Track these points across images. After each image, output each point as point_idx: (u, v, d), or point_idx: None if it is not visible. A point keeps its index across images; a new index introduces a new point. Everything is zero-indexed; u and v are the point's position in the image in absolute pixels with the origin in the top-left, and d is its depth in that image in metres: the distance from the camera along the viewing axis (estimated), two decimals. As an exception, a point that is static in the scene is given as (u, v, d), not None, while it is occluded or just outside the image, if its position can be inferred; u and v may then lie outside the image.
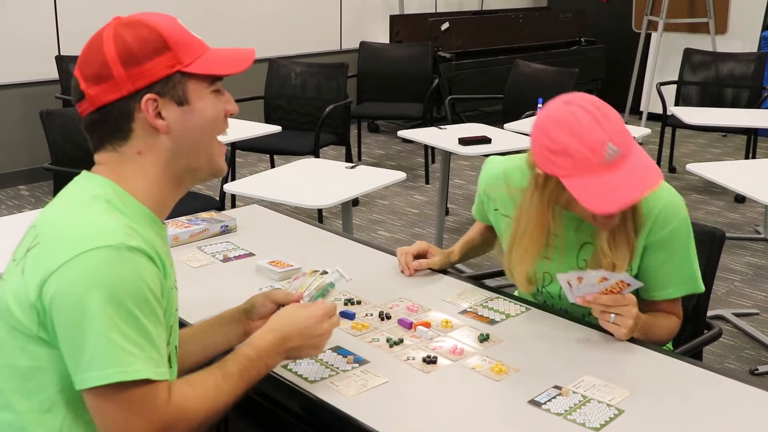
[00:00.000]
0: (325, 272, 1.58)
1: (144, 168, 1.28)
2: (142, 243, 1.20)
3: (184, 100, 1.27)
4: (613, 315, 1.63)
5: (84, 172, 1.32)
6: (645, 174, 1.58)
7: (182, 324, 1.72)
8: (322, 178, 3.25)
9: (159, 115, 1.26)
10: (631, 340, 1.67)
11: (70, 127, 3.59)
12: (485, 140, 3.94)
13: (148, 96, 1.25)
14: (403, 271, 1.98)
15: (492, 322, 1.73)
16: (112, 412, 1.17)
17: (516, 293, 2.02)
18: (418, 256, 2.00)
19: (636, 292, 1.72)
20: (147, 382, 1.17)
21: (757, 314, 3.64)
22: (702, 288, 1.82)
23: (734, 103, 5.60)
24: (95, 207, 1.23)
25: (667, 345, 1.98)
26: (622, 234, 1.72)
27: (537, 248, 1.74)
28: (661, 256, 1.76)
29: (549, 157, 1.59)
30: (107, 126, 1.27)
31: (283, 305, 1.54)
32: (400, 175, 3.24)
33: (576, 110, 1.57)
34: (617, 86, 7.36)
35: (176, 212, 2.44)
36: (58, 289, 1.14)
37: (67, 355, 1.17)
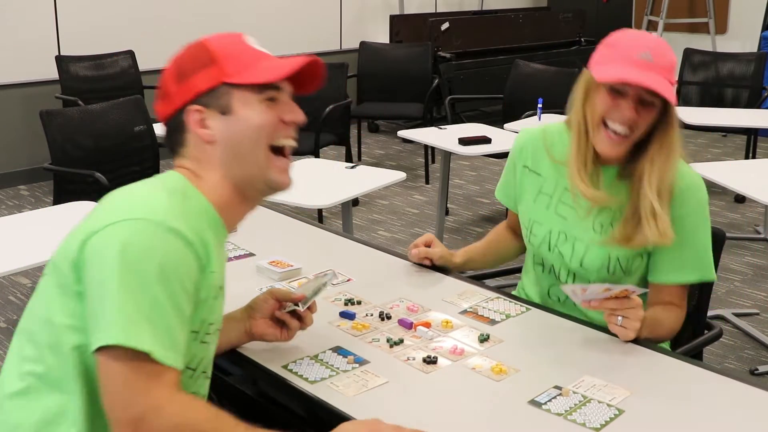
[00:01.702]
0: (326, 273, 1.63)
1: (207, 173, 1.34)
2: (185, 229, 1.22)
3: (227, 110, 1.31)
4: (620, 318, 1.62)
5: (169, 170, 1.39)
6: (658, 80, 1.64)
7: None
8: (322, 178, 3.25)
9: (205, 125, 1.32)
10: (632, 340, 1.67)
11: (70, 127, 3.60)
12: (485, 140, 3.94)
13: (193, 107, 1.32)
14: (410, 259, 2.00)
15: (492, 322, 1.73)
16: (112, 380, 1.17)
17: (515, 291, 2.02)
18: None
19: (644, 280, 1.77)
20: (151, 360, 1.16)
21: (757, 314, 3.64)
22: (714, 276, 1.82)
23: (734, 103, 5.60)
24: (158, 189, 1.29)
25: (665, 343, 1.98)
26: (665, 196, 1.73)
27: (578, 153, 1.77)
28: (677, 236, 1.74)
29: (597, 49, 1.74)
30: (171, 137, 1.37)
31: (284, 303, 1.57)
32: (400, 175, 3.24)
33: (648, 32, 1.77)
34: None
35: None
36: (94, 248, 1.19)
37: (88, 314, 1.19)
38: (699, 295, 2.01)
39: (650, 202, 1.72)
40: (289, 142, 1.37)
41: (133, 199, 1.26)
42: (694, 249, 1.78)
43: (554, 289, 1.90)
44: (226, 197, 1.34)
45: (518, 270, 2.12)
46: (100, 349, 1.16)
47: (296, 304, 1.56)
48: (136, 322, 1.15)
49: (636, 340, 1.67)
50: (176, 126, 1.35)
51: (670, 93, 1.66)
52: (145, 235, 1.19)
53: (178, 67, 1.35)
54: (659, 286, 1.81)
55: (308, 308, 1.58)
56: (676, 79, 1.74)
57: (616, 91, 1.69)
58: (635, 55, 1.66)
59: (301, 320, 1.58)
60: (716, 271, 2.00)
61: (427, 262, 1.99)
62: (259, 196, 1.40)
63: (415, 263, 2.02)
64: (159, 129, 4.08)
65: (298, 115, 1.36)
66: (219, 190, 1.34)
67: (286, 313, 1.57)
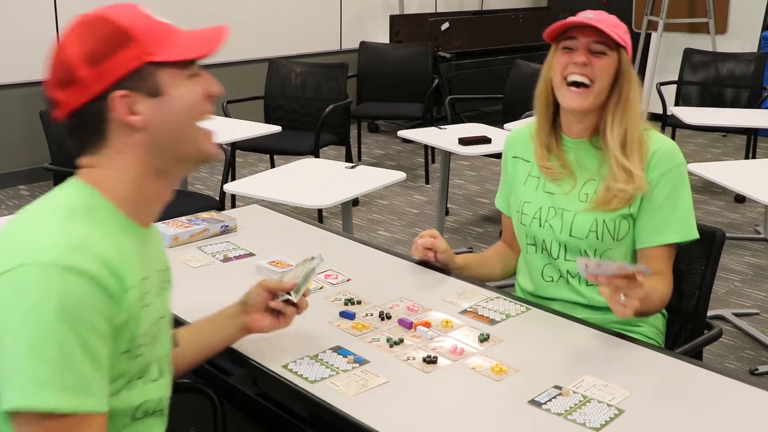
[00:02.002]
0: (313, 258, 1.64)
1: (125, 168, 1.22)
2: (85, 260, 1.11)
3: (157, 91, 1.21)
4: (622, 296, 1.62)
5: (70, 178, 1.25)
6: (600, 25, 1.82)
7: (181, 324, 1.73)
8: (322, 178, 3.25)
9: (133, 111, 1.20)
10: (631, 339, 1.67)
11: (70, 127, 3.60)
12: (485, 140, 3.94)
13: (117, 93, 1.19)
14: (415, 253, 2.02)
15: (492, 322, 1.73)
16: None
17: (515, 291, 2.02)
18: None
19: (632, 247, 1.87)
20: (63, 414, 1.06)
21: (757, 314, 3.64)
22: (696, 234, 1.87)
23: (734, 103, 5.60)
24: (54, 216, 1.16)
25: (659, 340, 1.98)
26: (631, 151, 1.83)
27: (543, 118, 1.95)
28: (655, 198, 1.84)
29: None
30: (84, 130, 1.22)
31: (276, 293, 1.56)
32: (400, 175, 3.24)
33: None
34: (617, 86, 7.35)
35: (176, 212, 2.44)
36: None
37: None
38: (699, 294, 2.01)
39: (614, 155, 1.83)
40: (211, 115, 1.30)
41: (24, 238, 1.13)
42: (673, 209, 1.85)
43: (548, 268, 1.95)
44: (141, 190, 1.24)
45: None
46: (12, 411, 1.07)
47: (289, 293, 1.56)
48: (38, 377, 1.05)
49: (636, 340, 1.67)
50: (92, 117, 1.20)
51: (612, 32, 1.81)
52: (37, 281, 1.07)
53: (87, 48, 1.18)
54: (645, 252, 1.87)
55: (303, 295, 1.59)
56: (630, 48, 1.89)
57: (568, 48, 1.86)
58: (579, 17, 1.85)
59: (297, 306, 1.58)
60: (716, 271, 2.01)
61: (431, 254, 1.98)
62: (186, 173, 1.33)
63: (416, 261, 2.02)
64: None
65: (218, 87, 1.28)
66: (131, 187, 1.23)
67: (281, 302, 1.57)
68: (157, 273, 1.31)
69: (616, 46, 1.85)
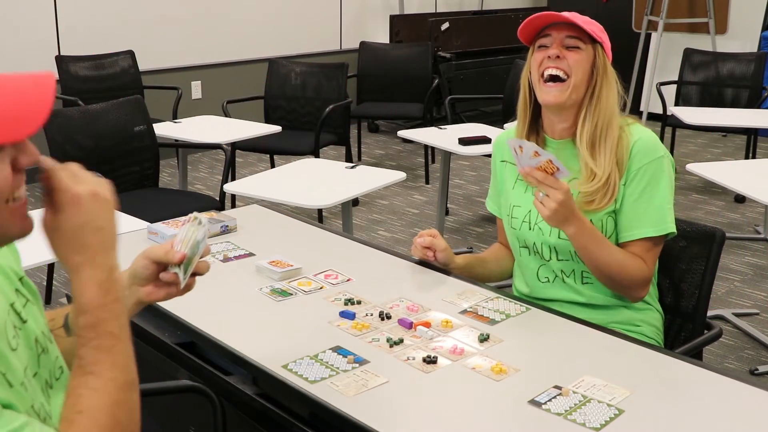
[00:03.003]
0: (199, 222, 1.37)
1: None
2: None
3: None
4: (542, 193, 1.75)
5: None
6: (573, 19, 1.86)
7: (181, 324, 1.73)
8: (322, 178, 3.25)
9: None
10: (631, 339, 1.67)
11: (70, 127, 3.60)
12: (485, 140, 3.94)
13: None
14: (414, 253, 2.02)
15: (492, 322, 1.73)
16: None
17: (514, 291, 2.02)
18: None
19: (615, 239, 1.87)
20: None
21: (757, 314, 3.64)
22: (672, 229, 1.86)
23: (734, 103, 5.60)
24: None
25: (659, 340, 1.98)
26: (602, 146, 1.85)
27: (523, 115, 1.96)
28: (632, 192, 1.85)
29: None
30: None
31: (165, 265, 1.33)
32: (400, 175, 3.24)
33: None
34: (617, 86, 7.35)
35: (176, 212, 2.44)
36: None
37: None
38: (699, 295, 2.01)
39: (581, 154, 1.86)
40: (24, 190, 1.01)
41: None
42: (650, 203, 1.85)
43: (543, 269, 1.95)
44: None
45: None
46: None
47: (178, 266, 1.33)
48: None
49: (635, 340, 1.68)
50: None
51: (587, 26, 1.85)
52: None
53: None
54: (626, 246, 1.87)
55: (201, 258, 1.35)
56: (608, 45, 1.93)
57: (543, 46, 1.88)
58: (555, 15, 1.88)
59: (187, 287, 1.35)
60: (716, 271, 2.01)
61: (431, 254, 1.98)
62: None
63: (416, 261, 2.02)
64: (160, 129, 4.09)
65: (35, 155, 1.00)
66: None
67: (172, 273, 1.34)
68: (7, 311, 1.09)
69: (591, 41, 1.87)
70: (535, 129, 1.95)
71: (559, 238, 1.88)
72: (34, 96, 0.97)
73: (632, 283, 1.85)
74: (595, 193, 1.84)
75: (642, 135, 1.87)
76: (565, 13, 1.87)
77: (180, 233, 1.36)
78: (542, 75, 1.86)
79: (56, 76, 5.25)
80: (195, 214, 1.37)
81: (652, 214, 1.84)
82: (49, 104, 0.97)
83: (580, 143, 1.87)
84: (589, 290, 1.90)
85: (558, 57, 1.85)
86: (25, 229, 1.02)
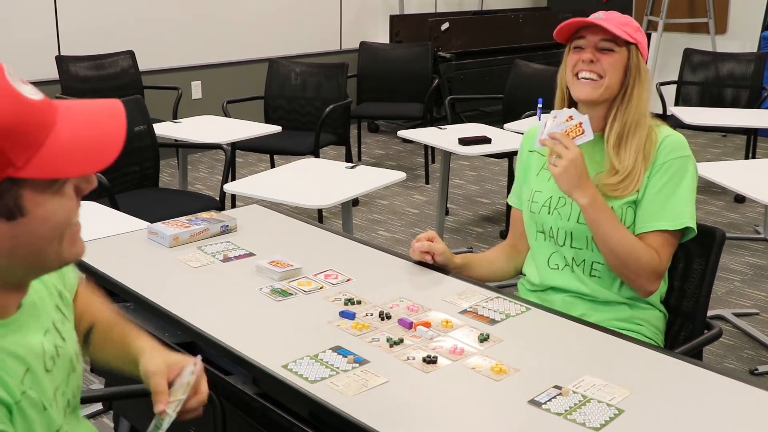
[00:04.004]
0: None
1: None
2: None
3: (17, 212, 0.93)
4: (555, 157, 1.85)
5: None
6: (606, 24, 1.87)
7: (181, 324, 1.73)
8: (322, 178, 3.25)
9: None
10: (631, 339, 1.68)
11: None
12: (485, 140, 3.94)
13: None
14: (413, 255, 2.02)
15: (492, 321, 1.73)
16: None
17: (518, 290, 2.02)
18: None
19: (633, 231, 1.89)
20: None
21: (756, 314, 3.64)
22: (689, 224, 1.87)
23: (734, 103, 5.60)
24: None
25: (659, 340, 1.98)
26: (628, 144, 1.89)
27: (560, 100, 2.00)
28: (654, 184, 1.88)
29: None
30: None
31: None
32: (400, 175, 3.24)
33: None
34: (617, 86, 7.35)
35: (176, 212, 2.44)
36: None
37: None
38: (699, 294, 2.01)
39: (607, 151, 1.90)
40: (79, 215, 1.03)
41: None
42: (669, 198, 1.87)
43: (555, 256, 1.98)
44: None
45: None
46: None
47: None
48: None
49: (635, 340, 1.68)
50: None
51: (619, 30, 1.87)
52: None
53: None
54: (642, 238, 1.89)
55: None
56: (644, 43, 1.96)
57: (578, 47, 1.93)
58: (590, 18, 1.91)
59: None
60: (716, 271, 2.01)
61: (429, 257, 1.99)
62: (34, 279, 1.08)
63: (415, 262, 2.02)
64: (160, 129, 4.09)
65: (94, 182, 1.01)
66: None
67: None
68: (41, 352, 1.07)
69: (626, 44, 1.90)
70: None
71: (577, 222, 1.92)
72: (110, 127, 0.97)
73: (642, 270, 1.86)
74: (618, 184, 1.88)
75: (672, 134, 1.93)
76: (599, 17, 1.90)
77: (178, 384, 1.29)
78: (576, 75, 1.92)
79: (57, 76, 5.26)
80: (199, 359, 1.32)
81: (671, 208, 1.87)
82: (122, 137, 0.97)
83: (606, 140, 1.91)
84: (595, 283, 1.92)
85: (591, 61, 1.89)
86: (79, 253, 1.03)
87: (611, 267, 1.89)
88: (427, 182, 5.65)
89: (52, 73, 5.28)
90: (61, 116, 0.95)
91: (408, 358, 1.56)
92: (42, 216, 0.95)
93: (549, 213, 1.97)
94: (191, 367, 1.29)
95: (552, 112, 1.89)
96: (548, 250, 1.99)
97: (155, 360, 1.28)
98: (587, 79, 1.90)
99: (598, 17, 1.89)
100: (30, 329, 1.06)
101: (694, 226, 1.88)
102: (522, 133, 3.97)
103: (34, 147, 0.90)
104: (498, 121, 4.66)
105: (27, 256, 0.97)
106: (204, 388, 1.28)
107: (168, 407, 1.23)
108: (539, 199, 2.00)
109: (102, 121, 0.97)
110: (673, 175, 1.88)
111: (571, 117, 1.84)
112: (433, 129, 4.43)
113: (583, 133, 1.83)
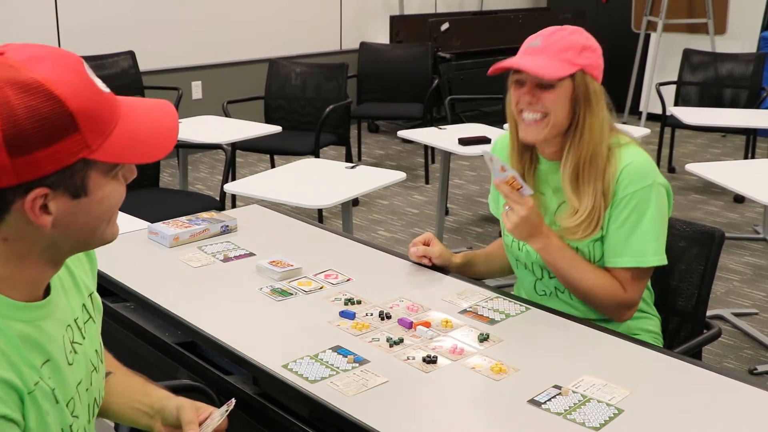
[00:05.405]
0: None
1: (9, 256, 1.03)
2: None
3: (81, 191, 1.01)
4: (507, 207, 1.78)
5: None
6: (534, 60, 1.75)
7: (181, 323, 1.73)
8: (322, 178, 3.25)
9: (45, 208, 0.99)
10: (631, 339, 1.68)
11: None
12: (485, 140, 3.95)
13: (36, 192, 0.97)
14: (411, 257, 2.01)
15: (492, 321, 1.73)
16: None
17: (514, 291, 2.02)
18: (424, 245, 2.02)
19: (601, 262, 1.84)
20: None
21: (756, 314, 3.64)
22: (653, 263, 1.80)
23: (733, 104, 5.61)
24: None
25: (657, 343, 1.98)
26: (585, 180, 1.80)
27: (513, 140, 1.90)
28: (615, 218, 1.80)
29: None
30: None
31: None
32: (400, 175, 3.25)
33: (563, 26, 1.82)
34: (616, 86, 7.32)
35: (176, 212, 2.44)
36: None
37: None
38: (698, 294, 2.01)
39: (564, 190, 1.82)
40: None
41: None
42: (631, 234, 1.79)
43: (539, 284, 1.94)
44: (27, 275, 1.05)
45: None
46: None
47: None
48: None
49: (635, 339, 1.68)
50: None
51: (555, 65, 1.74)
52: None
53: (14, 128, 0.92)
54: (609, 270, 1.83)
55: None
56: (594, 60, 1.80)
57: (517, 81, 1.81)
58: (525, 46, 1.80)
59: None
60: (716, 271, 2.01)
61: (426, 261, 1.99)
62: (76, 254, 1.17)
63: (414, 262, 2.02)
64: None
65: (135, 171, 1.10)
66: (15, 273, 1.04)
67: None
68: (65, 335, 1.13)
69: (569, 74, 1.76)
70: (528, 147, 1.89)
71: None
72: (166, 124, 1.07)
73: (607, 304, 1.83)
74: (578, 227, 1.81)
75: (633, 160, 1.78)
76: (535, 46, 1.77)
77: (211, 420, 1.32)
78: (520, 112, 1.81)
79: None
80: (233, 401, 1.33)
81: (633, 244, 1.78)
82: (176, 133, 1.08)
83: (563, 178, 1.82)
84: (584, 306, 1.88)
85: (530, 103, 1.78)
86: (116, 234, 1.12)
87: (580, 300, 1.86)
88: (427, 182, 5.65)
89: (52, 73, 5.28)
90: (125, 110, 1.05)
91: (408, 358, 1.57)
92: (100, 197, 1.04)
93: (519, 249, 1.93)
94: (223, 409, 1.32)
95: (488, 153, 1.77)
96: (531, 278, 1.95)
97: (186, 401, 1.33)
98: (531, 119, 1.78)
99: (534, 46, 1.76)
100: (55, 320, 1.12)
101: (659, 262, 1.80)
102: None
103: (106, 133, 1.00)
104: (498, 121, 4.65)
105: (78, 233, 1.05)
106: (224, 427, 1.33)
107: None
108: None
109: (159, 117, 1.08)
110: (635, 209, 1.77)
111: (503, 168, 1.73)
112: (432, 129, 4.44)
113: (521, 188, 1.73)
